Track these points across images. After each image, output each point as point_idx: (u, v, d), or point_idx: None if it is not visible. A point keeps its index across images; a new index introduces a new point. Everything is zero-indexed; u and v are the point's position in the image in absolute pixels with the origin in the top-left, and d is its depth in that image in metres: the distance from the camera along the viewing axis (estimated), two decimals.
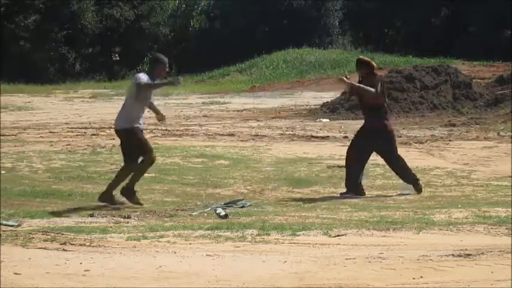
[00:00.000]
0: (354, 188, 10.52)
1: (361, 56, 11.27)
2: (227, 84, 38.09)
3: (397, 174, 10.87)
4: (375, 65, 10.73)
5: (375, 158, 14.08)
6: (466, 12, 47.68)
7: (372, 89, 10.58)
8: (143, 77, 9.84)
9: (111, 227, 8.05)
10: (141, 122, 9.99)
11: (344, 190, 10.65)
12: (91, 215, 8.90)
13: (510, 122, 19.62)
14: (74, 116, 23.52)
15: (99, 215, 8.91)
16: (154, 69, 10.00)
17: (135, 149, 9.92)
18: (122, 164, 10.28)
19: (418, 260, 6.12)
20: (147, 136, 17.53)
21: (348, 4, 51.56)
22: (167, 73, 10.27)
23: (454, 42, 46.99)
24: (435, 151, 15.10)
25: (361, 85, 10.71)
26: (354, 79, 11.29)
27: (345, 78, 10.74)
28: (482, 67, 36.23)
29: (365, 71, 10.62)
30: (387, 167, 11.89)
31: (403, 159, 10.76)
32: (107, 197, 9.91)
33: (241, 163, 13.47)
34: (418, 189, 10.59)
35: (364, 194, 10.55)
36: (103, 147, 15.13)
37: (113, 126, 10.54)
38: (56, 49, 44.63)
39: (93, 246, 6.88)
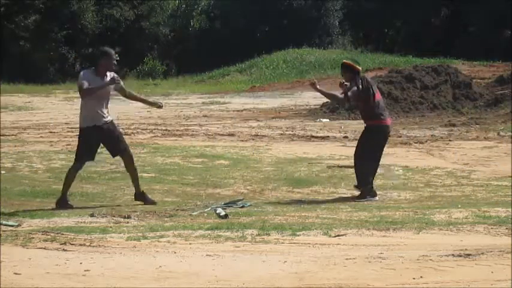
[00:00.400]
0: (364, 184, 10.36)
1: (345, 60, 11.13)
2: (227, 84, 38.09)
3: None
4: (359, 68, 10.52)
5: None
6: (466, 12, 47.70)
7: (340, 96, 10.55)
8: (83, 78, 9.67)
9: (111, 227, 8.05)
10: (97, 120, 9.77)
11: (357, 193, 10.48)
12: (91, 215, 8.90)
13: (510, 122, 19.63)
14: (74, 116, 23.45)
15: (99, 215, 8.91)
16: (100, 63, 9.79)
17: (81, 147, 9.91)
18: (122, 163, 10.29)
19: (418, 260, 6.12)
20: (147, 136, 17.61)
21: (348, 4, 51.57)
22: (114, 67, 9.91)
23: (454, 42, 47.01)
24: (435, 151, 15.10)
25: (331, 92, 11.02)
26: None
27: (316, 84, 10.62)
28: (482, 67, 36.24)
29: (349, 75, 10.44)
30: (387, 167, 11.91)
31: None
32: (139, 196, 9.99)
33: (241, 163, 13.47)
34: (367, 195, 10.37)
35: (375, 195, 10.40)
36: (102, 147, 15.11)
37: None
38: (56, 49, 44.64)
39: (93, 246, 6.88)
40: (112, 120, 9.99)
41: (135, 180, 10.02)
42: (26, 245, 6.97)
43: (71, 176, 9.91)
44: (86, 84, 9.64)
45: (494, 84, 25.54)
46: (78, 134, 10.06)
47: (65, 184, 9.87)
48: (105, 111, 9.85)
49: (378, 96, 10.59)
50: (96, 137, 9.80)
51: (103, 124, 9.81)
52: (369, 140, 10.46)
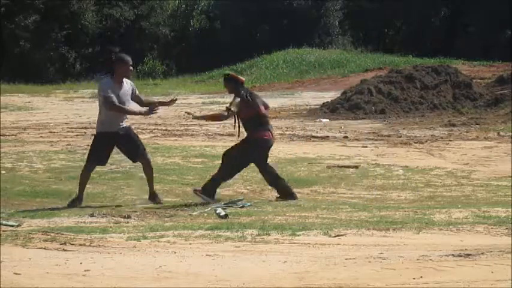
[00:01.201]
0: (209, 190, 10.15)
1: (228, 71, 11.01)
2: None
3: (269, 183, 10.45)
4: (242, 79, 10.34)
5: (375, 158, 14.12)
6: (466, 12, 47.70)
7: (224, 113, 10.25)
8: (107, 90, 9.58)
9: (111, 227, 8.05)
10: (113, 126, 9.76)
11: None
12: (91, 215, 8.90)
13: (510, 122, 19.63)
14: (74, 116, 23.51)
15: (99, 215, 8.91)
16: (117, 70, 9.69)
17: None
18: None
19: (418, 260, 6.12)
20: (147, 136, 17.61)
21: (348, 4, 51.55)
22: (130, 73, 9.86)
23: (454, 42, 47.01)
24: (435, 151, 15.10)
25: (213, 113, 11.66)
26: None
27: (192, 114, 10.63)
28: (482, 67, 36.21)
29: (232, 86, 10.28)
30: (387, 167, 11.89)
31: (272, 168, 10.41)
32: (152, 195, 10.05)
33: None
34: (295, 197, 10.19)
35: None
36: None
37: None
38: (56, 49, 44.61)
39: (93, 246, 6.88)
40: (129, 126, 10.00)
41: (150, 182, 10.10)
42: (26, 245, 6.97)
43: (83, 177, 9.93)
44: (114, 98, 9.60)
45: (494, 84, 25.53)
46: (93, 135, 10.09)
47: (79, 185, 9.93)
48: (122, 117, 9.82)
49: (263, 109, 10.27)
50: (110, 143, 9.83)
51: (119, 130, 9.79)
52: (245, 152, 10.17)
